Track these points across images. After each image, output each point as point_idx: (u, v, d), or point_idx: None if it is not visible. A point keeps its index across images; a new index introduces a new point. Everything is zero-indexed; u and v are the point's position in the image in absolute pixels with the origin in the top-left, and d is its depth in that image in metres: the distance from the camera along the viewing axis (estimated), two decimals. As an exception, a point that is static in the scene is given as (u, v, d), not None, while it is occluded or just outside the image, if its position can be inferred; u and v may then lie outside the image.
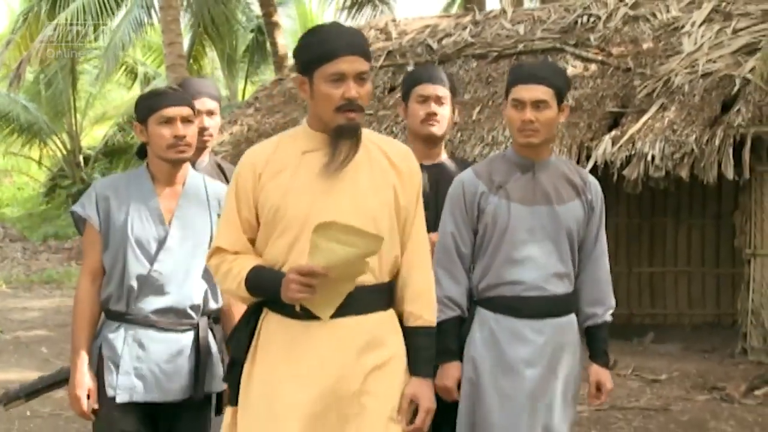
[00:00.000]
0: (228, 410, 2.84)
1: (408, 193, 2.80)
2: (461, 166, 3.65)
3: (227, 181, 3.81)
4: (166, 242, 3.20)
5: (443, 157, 3.74)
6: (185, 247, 3.22)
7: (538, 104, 3.13)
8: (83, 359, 3.17)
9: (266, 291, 2.67)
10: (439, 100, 3.62)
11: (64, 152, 23.29)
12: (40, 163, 25.71)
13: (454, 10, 21.36)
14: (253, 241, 2.78)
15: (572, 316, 3.25)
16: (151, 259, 3.18)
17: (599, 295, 3.28)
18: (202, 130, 3.71)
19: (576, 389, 3.30)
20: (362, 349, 2.67)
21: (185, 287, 3.21)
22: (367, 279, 2.67)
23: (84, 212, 3.21)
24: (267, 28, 18.36)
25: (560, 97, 3.19)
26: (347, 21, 19.29)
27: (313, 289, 2.54)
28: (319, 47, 2.66)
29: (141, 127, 3.25)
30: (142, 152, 3.34)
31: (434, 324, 2.84)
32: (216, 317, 3.38)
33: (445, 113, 3.63)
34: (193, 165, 3.71)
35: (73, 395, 3.16)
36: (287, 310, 2.66)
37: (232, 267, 2.73)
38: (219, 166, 3.97)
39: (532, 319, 3.16)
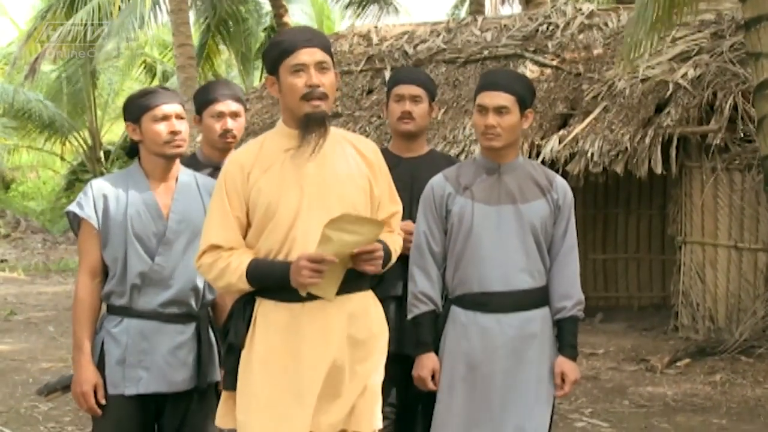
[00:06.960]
0: (224, 394, 2.94)
1: (380, 183, 2.96)
2: (444, 160, 3.84)
3: None
4: (165, 236, 3.21)
5: (425, 150, 3.86)
6: (183, 239, 3.24)
7: (500, 110, 3.20)
8: (87, 356, 3.15)
9: (269, 280, 2.78)
10: (414, 99, 3.73)
11: (85, 148, 23.24)
12: (62, 158, 25.65)
13: (464, 11, 21.83)
14: (242, 237, 2.87)
15: (543, 310, 3.29)
16: (152, 254, 3.19)
17: (566, 289, 3.30)
18: (225, 132, 3.82)
19: (551, 386, 3.31)
20: (348, 321, 2.82)
21: (186, 279, 3.23)
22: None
23: (83, 212, 3.18)
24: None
25: (523, 104, 3.26)
26: (353, 19, 19.46)
27: (322, 275, 2.67)
28: (281, 45, 2.85)
29: (134, 126, 3.27)
30: (133, 151, 3.36)
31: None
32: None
33: (420, 111, 3.74)
34: (219, 166, 3.72)
35: (80, 393, 3.14)
36: (284, 296, 2.77)
37: (230, 262, 2.79)
38: None
39: (500, 314, 3.23)
